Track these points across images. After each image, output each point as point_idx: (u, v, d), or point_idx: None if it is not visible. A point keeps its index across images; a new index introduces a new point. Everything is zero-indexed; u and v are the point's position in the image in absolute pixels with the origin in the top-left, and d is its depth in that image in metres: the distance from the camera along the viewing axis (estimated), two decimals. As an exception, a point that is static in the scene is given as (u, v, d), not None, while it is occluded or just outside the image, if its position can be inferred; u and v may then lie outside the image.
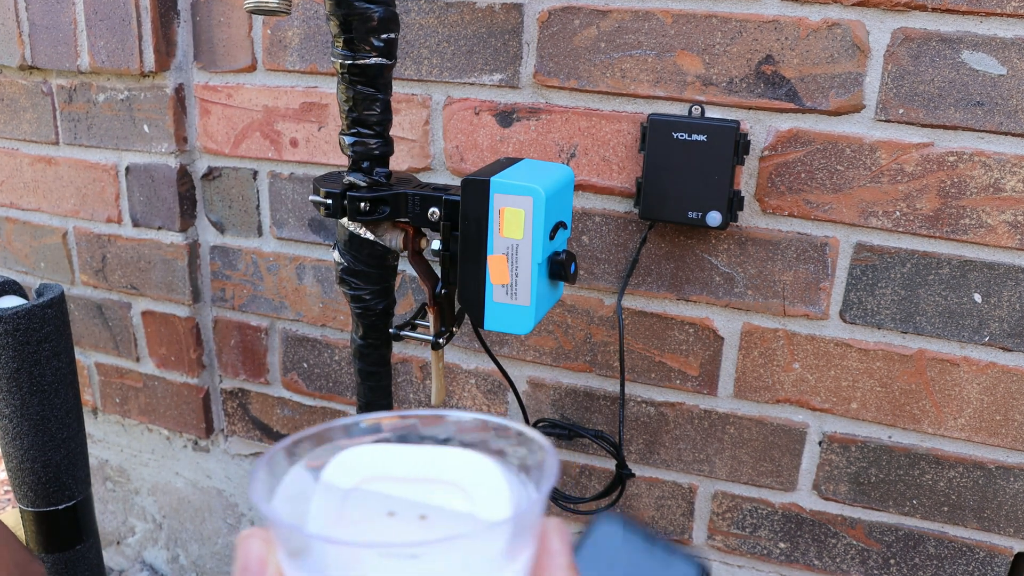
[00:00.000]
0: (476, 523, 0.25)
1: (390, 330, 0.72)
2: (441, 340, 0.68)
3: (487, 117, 0.86)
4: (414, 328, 0.72)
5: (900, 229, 0.76)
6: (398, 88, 0.88)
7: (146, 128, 0.99)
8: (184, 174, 1.01)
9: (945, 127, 0.73)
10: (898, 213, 0.76)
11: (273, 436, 1.11)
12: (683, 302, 0.85)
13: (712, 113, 0.78)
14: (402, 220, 0.67)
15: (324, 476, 0.26)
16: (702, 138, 0.75)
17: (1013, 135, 0.71)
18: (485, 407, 0.97)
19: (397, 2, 0.84)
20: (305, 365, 1.05)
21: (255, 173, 0.98)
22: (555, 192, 0.62)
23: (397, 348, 0.99)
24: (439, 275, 0.67)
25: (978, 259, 0.75)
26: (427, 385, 0.99)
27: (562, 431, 0.91)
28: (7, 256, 1.17)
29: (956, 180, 0.73)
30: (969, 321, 0.77)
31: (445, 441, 0.29)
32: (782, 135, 0.77)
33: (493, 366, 0.95)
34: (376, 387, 0.76)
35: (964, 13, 0.69)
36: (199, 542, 1.22)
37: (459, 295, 0.64)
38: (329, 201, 0.66)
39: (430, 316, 0.68)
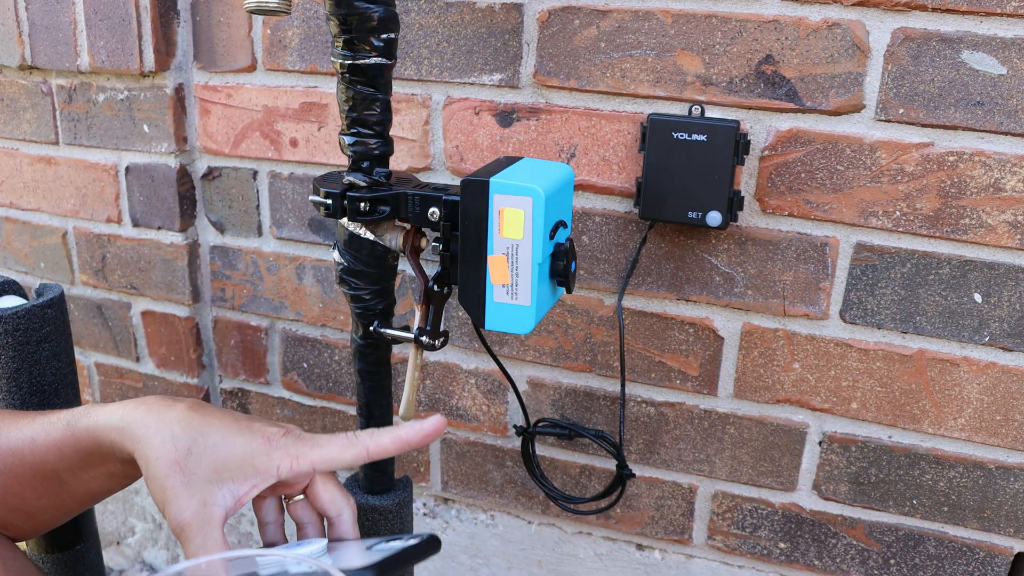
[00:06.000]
0: None
1: (370, 327, 0.70)
2: (424, 338, 0.67)
3: (487, 117, 0.86)
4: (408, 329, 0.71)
5: (900, 229, 0.76)
6: (398, 88, 0.88)
7: (146, 128, 0.99)
8: (184, 174, 1.01)
9: (945, 127, 0.73)
10: (898, 213, 0.76)
11: (273, 436, 1.11)
12: (683, 302, 0.85)
13: (712, 113, 0.78)
14: (402, 220, 0.67)
15: None
16: (702, 138, 0.75)
17: (1013, 135, 0.71)
18: (485, 407, 0.97)
19: (397, 2, 0.84)
20: (305, 365, 1.05)
21: (255, 173, 0.98)
22: (555, 192, 0.62)
23: (398, 348, 0.99)
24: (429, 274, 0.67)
25: (978, 259, 0.75)
26: (427, 386, 0.99)
27: (562, 431, 0.91)
28: (7, 256, 1.17)
29: (956, 180, 0.73)
30: (969, 321, 0.77)
31: None
32: (782, 135, 0.77)
33: (493, 366, 0.95)
34: (376, 387, 0.75)
35: (964, 13, 0.69)
36: (199, 542, 1.22)
37: (460, 295, 0.64)
38: (329, 201, 0.66)
39: (416, 313, 0.68)
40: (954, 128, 0.72)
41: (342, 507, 0.56)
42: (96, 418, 0.53)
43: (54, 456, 0.55)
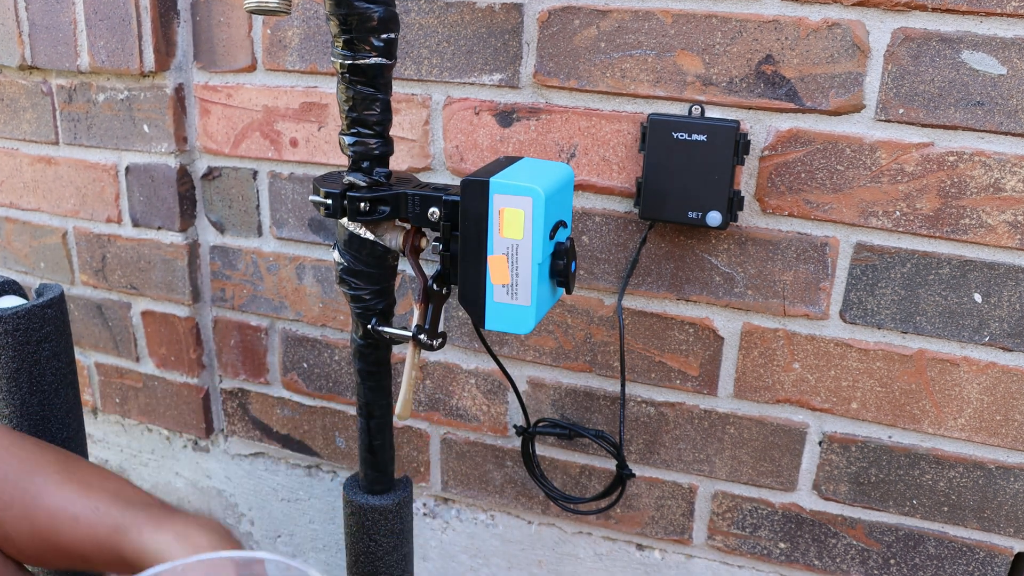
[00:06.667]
0: None
1: (367, 326, 0.70)
2: (422, 336, 0.67)
3: (487, 117, 0.86)
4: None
5: (900, 229, 0.76)
6: (398, 88, 0.88)
7: (146, 128, 0.99)
8: (184, 174, 1.01)
9: (945, 127, 0.73)
10: (898, 213, 0.76)
11: (273, 436, 1.11)
12: (683, 302, 0.85)
13: (712, 113, 0.78)
14: (402, 220, 0.67)
15: None
16: (702, 138, 0.75)
17: (1013, 135, 0.71)
18: (485, 407, 0.97)
19: (397, 2, 0.84)
20: (305, 365, 1.05)
21: (255, 173, 0.98)
22: (555, 192, 0.62)
23: (398, 348, 0.99)
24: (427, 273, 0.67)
25: (978, 259, 0.75)
26: (427, 386, 0.99)
27: (562, 431, 0.90)
28: (7, 256, 1.17)
29: (956, 180, 0.73)
30: (969, 321, 0.77)
31: None
32: (782, 135, 0.77)
33: (493, 366, 0.95)
34: (376, 387, 0.76)
35: (964, 13, 0.69)
36: (199, 542, 1.22)
37: (460, 295, 0.64)
38: (329, 201, 0.66)
39: (415, 312, 0.68)
40: (954, 128, 0.72)
41: None
42: (147, 544, 0.50)
43: (91, 548, 0.51)
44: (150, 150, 1.00)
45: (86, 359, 1.17)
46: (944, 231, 0.75)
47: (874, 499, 0.85)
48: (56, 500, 0.53)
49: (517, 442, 0.98)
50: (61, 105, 1.03)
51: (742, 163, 0.76)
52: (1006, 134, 0.71)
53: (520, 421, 0.95)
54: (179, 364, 1.10)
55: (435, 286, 0.66)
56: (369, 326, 0.70)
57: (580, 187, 0.85)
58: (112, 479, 0.56)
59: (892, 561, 0.87)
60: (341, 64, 0.62)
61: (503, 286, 0.62)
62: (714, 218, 0.77)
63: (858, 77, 0.73)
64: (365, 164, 0.66)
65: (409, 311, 0.96)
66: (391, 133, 0.66)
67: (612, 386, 0.91)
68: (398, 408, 0.70)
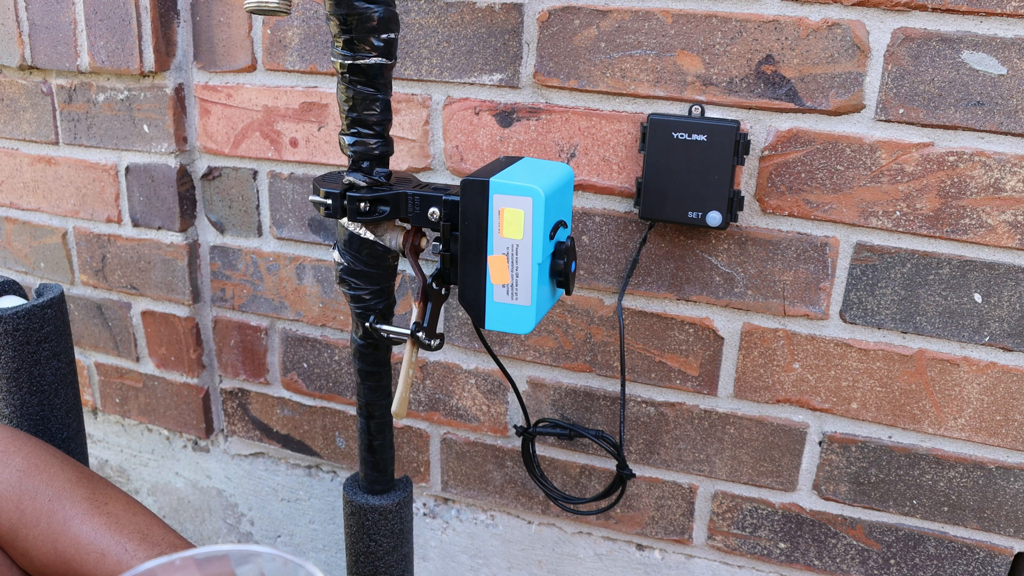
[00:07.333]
0: None
1: (365, 324, 0.70)
2: (420, 335, 0.67)
3: (487, 117, 0.86)
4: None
5: (900, 229, 0.76)
6: (398, 88, 0.88)
7: (146, 128, 0.99)
8: (184, 174, 1.01)
9: (945, 127, 0.73)
10: (898, 213, 0.76)
11: (273, 436, 1.11)
12: (683, 302, 0.85)
13: (712, 113, 0.78)
14: (402, 220, 0.67)
15: None
16: (702, 138, 0.75)
17: (1013, 135, 0.71)
18: (485, 407, 0.97)
19: (397, 2, 0.84)
20: (305, 365, 1.05)
21: (255, 173, 0.98)
22: (555, 192, 0.62)
23: (398, 348, 0.99)
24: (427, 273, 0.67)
25: (978, 259, 0.75)
26: (427, 386, 0.99)
27: (563, 431, 0.90)
28: (7, 256, 1.17)
29: (956, 180, 0.73)
30: (969, 321, 0.77)
31: None
32: (782, 135, 0.77)
33: (493, 366, 0.95)
34: (376, 387, 0.76)
35: (964, 13, 0.69)
36: (199, 542, 1.22)
37: (460, 295, 0.64)
38: (329, 201, 0.66)
39: (414, 310, 0.68)
40: (954, 128, 0.72)
41: None
42: None
43: None
44: (150, 150, 1.00)
45: (86, 359, 1.17)
46: (944, 231, 0.75)
47: (874, 499, 0.85)
48: (84, 530, 0.53)
49: (517, 442, 0.98)
50: (61, 105, 1.03)
51: (742, 163, 0.76)
52: (1006, 134, 0.71)
53: (520, 421, 0.95)
54: (179, 364, 1.10)
55: (435, 285, 0.66)
56: (368, 324, 0.70)
57: (580, 187, 0.85)
58: (139, 513, 0.56)
59: (892, 561, 0.87)
60: (341, 64, 0.62)
61: (503, 286, 0.62)
62: (714, 218, 0.77)
63: (858, 77, 0.73)
64: (365, 164, 0.66)
65: (409, 311, 0.96)
66: (391, 133, 0.66)
67: (612, 386, 0.91)
68: (395, 407, 0.70)
